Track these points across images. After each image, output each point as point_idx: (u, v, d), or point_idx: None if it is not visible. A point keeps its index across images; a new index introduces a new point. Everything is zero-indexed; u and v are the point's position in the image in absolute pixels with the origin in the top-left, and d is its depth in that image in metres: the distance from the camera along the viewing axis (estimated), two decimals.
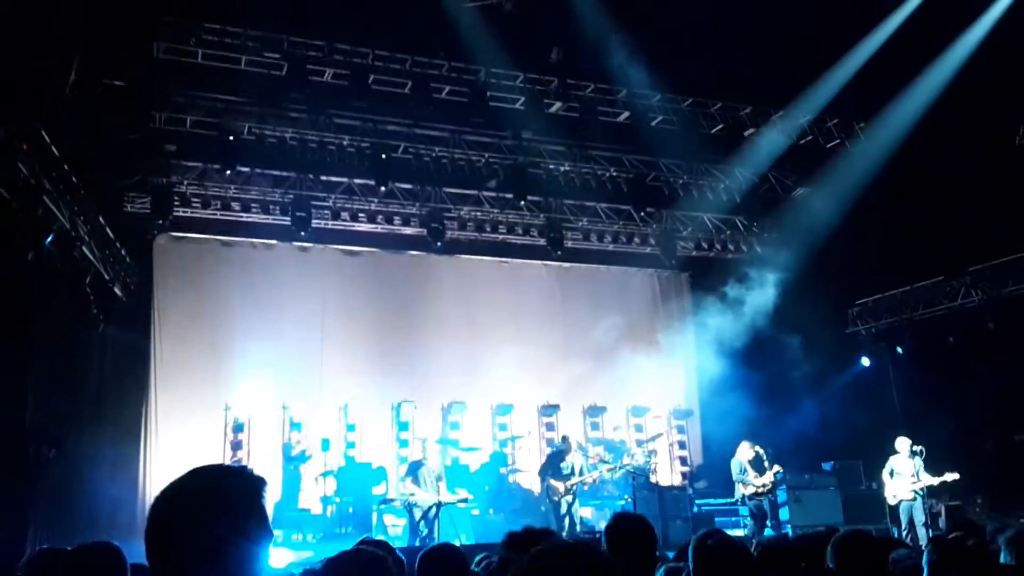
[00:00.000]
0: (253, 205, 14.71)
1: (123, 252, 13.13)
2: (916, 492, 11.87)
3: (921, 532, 11.44)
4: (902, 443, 12.18)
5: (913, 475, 11.90)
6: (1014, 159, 14.37)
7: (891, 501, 12.08)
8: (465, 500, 12.41)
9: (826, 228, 15.10)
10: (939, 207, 13.79)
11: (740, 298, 15.40)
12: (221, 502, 1.72)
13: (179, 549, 1.67)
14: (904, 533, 11.66)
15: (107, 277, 12.63)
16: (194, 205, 14.35)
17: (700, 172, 16.37)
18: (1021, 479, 13.24)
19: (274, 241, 15.09)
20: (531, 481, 14.67)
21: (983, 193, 13.36)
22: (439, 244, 15.25)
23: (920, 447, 12.10)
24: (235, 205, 14.60)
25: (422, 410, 15.16)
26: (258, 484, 1.77)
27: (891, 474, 12.11)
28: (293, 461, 13.54)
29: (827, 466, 14.06)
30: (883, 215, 14.44)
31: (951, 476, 11.82)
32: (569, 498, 12.70)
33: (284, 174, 14.47)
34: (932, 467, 12.01)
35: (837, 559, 3.80)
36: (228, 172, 13.77)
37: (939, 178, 13.64)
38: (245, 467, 1.84)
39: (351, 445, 14.63)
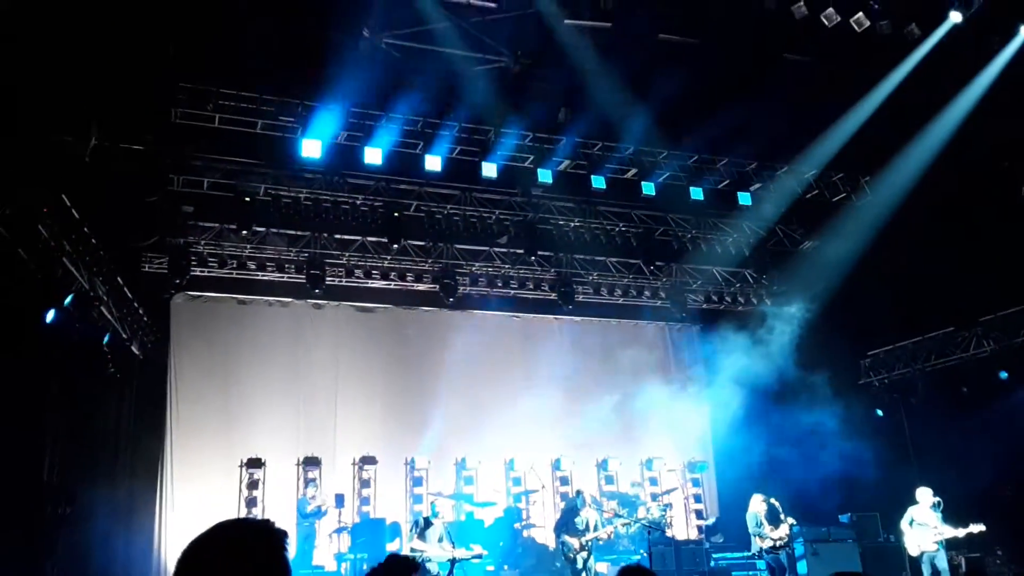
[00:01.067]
0: (268, 264, 14.96)
1: (140, 311, 13.33)
2: (939, 543, 11.71)
3: None
4: (923, 493, 12.03)
5: (935, 526, 11.75)
6: (1020, 209, 14.51)
7: (913, 552, 11.89)
8: (479, 556, 12.35)
9: (836, 280, 15.21)
10: (948, 259, 13.87)
11: (752, 350, 15.45)
12: (246, 556, 1.74)
13: None
14: None
15: (124, 336, 12.81)
16: (211, 264, 14.61)
17: (708, 226, 16.57)
18: None
19: (289, 299, 15.29)
20: (546, 536, 14.60)
21: (991, 244, 13.46)
22: (451, 300, 15.42)
23: (938, 498, 11.98)
24: (251, 264, 14.85)
25: (436, 465, 15.19)
26: (280, 538, 1.81)
27: (911, 524, 11.95)
28: (308, 517, 13.52)
29: (844, 518, 13.95)
30: (892, 267, 14.55)
31: (977, 528, 11.57)
32: (584, 554, 12.62)
33: (299, 233, 14.74)
34: (950, 518, 11.89)
35: None
36: (244, 232, 14.05)
37: (947, 230, 13.75)
38: (268, 521, 1.88)
39: (365, 501, 14.62)
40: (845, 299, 15.24)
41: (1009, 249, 13.38)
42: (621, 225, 16.17)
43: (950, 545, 12.25)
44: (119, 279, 12.55)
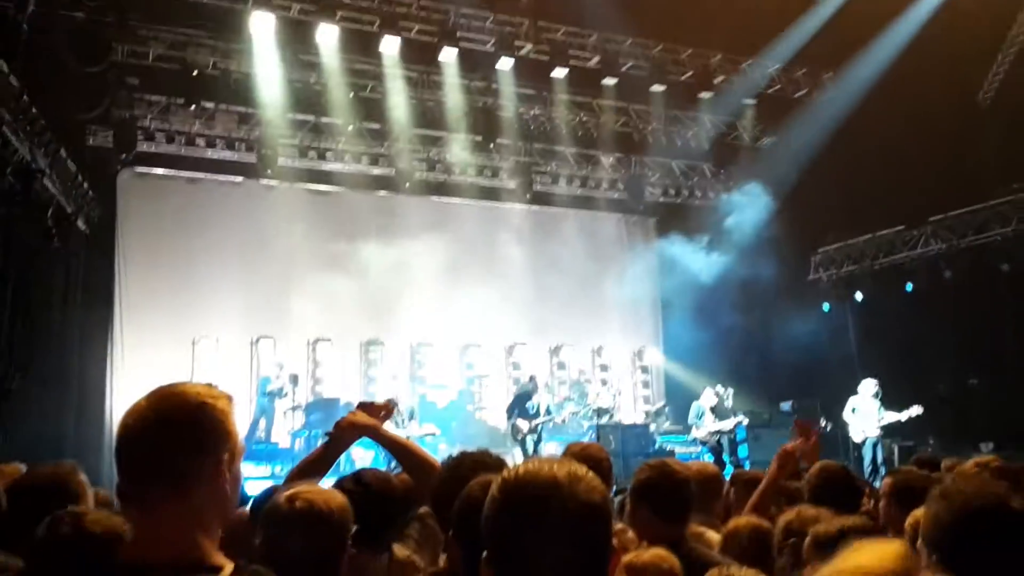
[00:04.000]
0: (218, 141, 14.54)
1: (85, 186, 12.93)
2: (880, 429, 12.37)
3: (882, 469, 11.92)
4: (866, 385, 12.59)
5: (877, 413, 12.38)
6: (977, 113, 14.63)
7: (857, 438, 12.49)
8: (432, 435, 12.61)
9: (791, 177, 15.30)
10: (903, 158, 14.00)
11: (705, 243, 15.60)
12: (189, 424, 1.66)
13: (147, 472, 1.64)
14: (868, 470, 12.10)
15: (69, 210, 12.45)
16: (158, 140, 14.17)
17: (668, 119, 16.44)
18: (972, 422, 13.68)
19: (240, 178, 14.94)
20: (498, 419, 14.88)
21: (946, 145, 13.58)
22: (408, 185, 15.22)
23: (877, 388, 12.53)
24: (200, 141, 14.44)
25: (391, 348, 15.28)
26: (227, 400, 1.72)
27: (853, 412, 12.54)
28: (269, 395, 13.56)
29: (785, 406, 14.44)
30: (847, 165, 14.65)
31: (915, 410, 12.21)
32: (534, 436, 12.95)
33: (250, 111, 14.29)
34: (890, 407, 12.49)
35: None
36: (192, 107, 13.61)
37: (904, 130, 13.82)
38: (211, 384, 1.79)
39: (319, 381, 14.76)
40: (799, 196, 15.36)
41: (963, 151, 13.55)
42: (582, 115, 15.97)
43: (885, 434, 12.90)
44: (62, 152, 12.12)
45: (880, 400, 12.39)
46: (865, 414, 12.44)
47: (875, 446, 12.34)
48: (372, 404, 3.25)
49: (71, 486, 2.95)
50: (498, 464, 2.63)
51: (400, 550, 2.85)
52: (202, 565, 1.61)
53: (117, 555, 1.69)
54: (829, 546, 2.45)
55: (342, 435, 3.08)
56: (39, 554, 2.24)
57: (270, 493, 2.61)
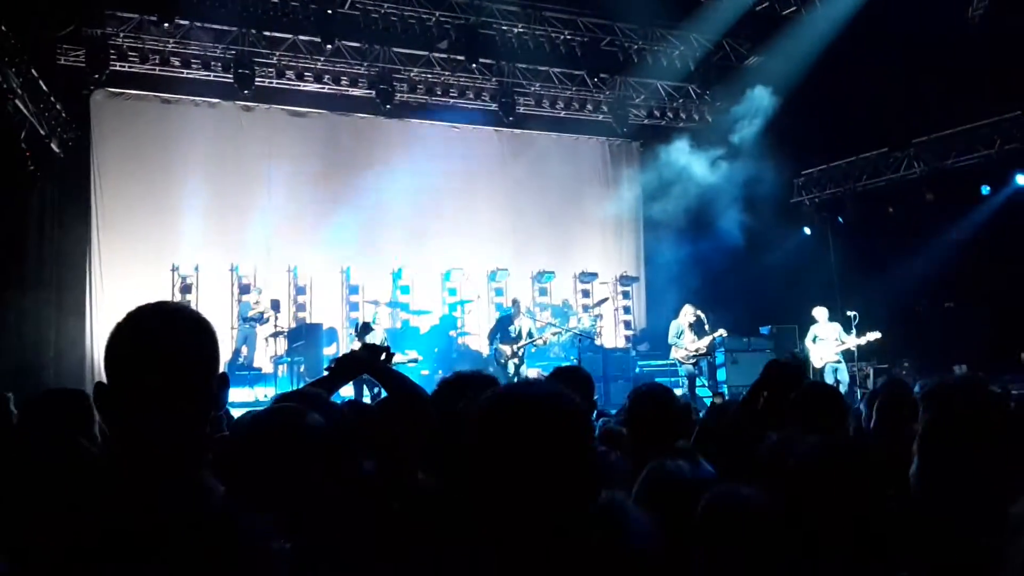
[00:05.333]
0: (193, 61, 14.19)
1: (58, 107, 12.64)
2: (839, 355, 12.62)
3: (845, 391, 12.12)
4: (820, 312, 12.88)
5: (836, 339, 12.62)
6: (965, 33, 14.41)
7: (817, 364, 12.71)
8: (415, 360, 12.71)
9: (776, 98, 15.12)
10: (888, 79, 13.84)
11: (689, 167, 15.49)
12: (210, 339, 1.65)
13: (129, 398, 1.59)
14: None
15: (43, 132, 12.20)
16: (131, 59, 13.81)
17: (655, 37, 16.13)
18: (947, 343, 13.89)
19: (216, 99, 14.63)
20: (480, 344, 14.98)
21: (932, 66, 13.41)
22: (388, 107, 14.96)
23: (854, 312, 12.68)
24: (175, 60, 14.08)
25: (372, 274, 15.26)
26: (205, 325, 1.68)
27: (814, 340, 12.78)
28: (249, 321, 13.60)
29: (764, 330, 14.62)
30: (832, 86, 14.47)
31: (873, 335, 12.48)
32: (516, 360, 13.06)
33: (225, 28, 13.92)
34: (864, 331, 12.67)
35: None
36: (166, 24, 13.23)
37: (890, 50, 13.62)
38: (185, 307, 1.75)
39: (301, 308, 14.77)
40: (783, 117, 15.21)
41: (949, 72, 13.38)
42: (566, 33, 15.63)
43: (860, 356, 13.14)
44: (33, 71, 11.80)
45: (854, 323, 12.62)
46: (825, 340, 12.72)
47: (835, 371, 12.60)
48: (375, 346, 3.56)
49: (85, 406, 3.03)
50: (490, 382, 2.92)
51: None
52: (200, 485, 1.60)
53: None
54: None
55: (343, 369, 3.39)
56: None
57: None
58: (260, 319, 13.67)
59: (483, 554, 1.51)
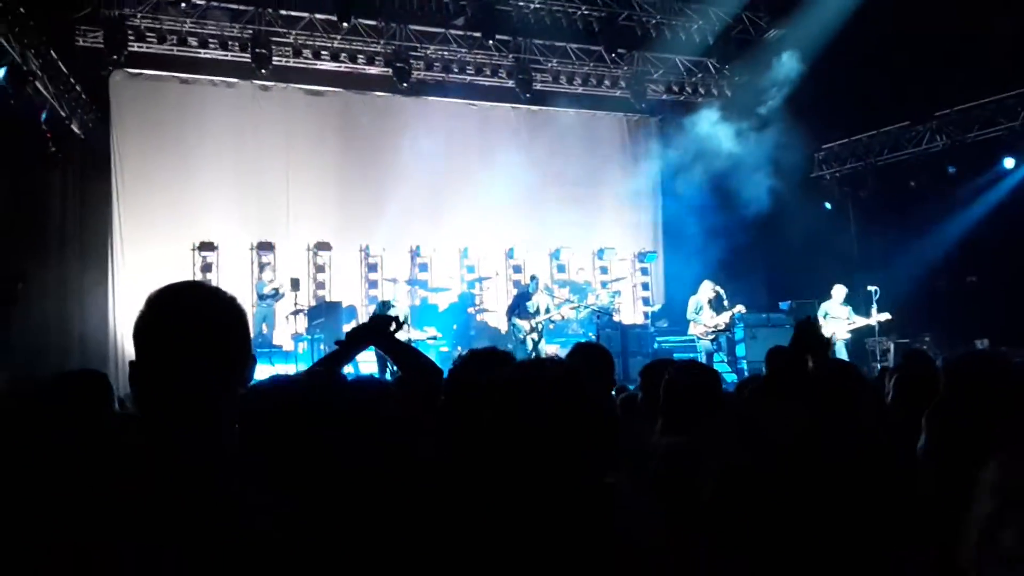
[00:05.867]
0: (211, 41, 14.21)
1: (78, 88, 12.73)
2: (849, 333, 12.85)
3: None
4: (838, 291, 13.01)
5: (847, 318, 12.81)
6: (975, 5, 14.15)
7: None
8: (434, 338, 12.78)
9: (796, 72, 14.96)
10: (910, 52, 13.64)
11: (708, 142, 15.38)
12: (202, 325, 1.64)
13: (163, 377, 1.61)
14: None
15: (63, 114, 12.30)
16: (149, 40, 13.85)
17: (674, 11, 16.00)
18: (969, 318, 13.77)
19: (234, 79, 14.67)
20: (498, 320, 15.03)
21: (954, 39, 13.21)
22: (405, 85, 14.95)
23: (875, 287, 12.66)
24: (192, 41, 14.10)
25: (391, 252, 15.32)
26: (236, 305, 1.71)
27: (824, 317, 12.84)
28: (266, 299, 13.70)
29: (784, 305, 14.55)
30: (852, 59, 14.28)
31: (883, 316, 12.64)
32: (535, 336, 13.09)
33: (242, 8, 13.95)
34: (886, 307, 12.69)
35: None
36: (183, 4, 13.29)
37: (912, 23, 13.42)
38: (216, 288, 1.77)
39: (321, 286, 14.87)
40: (804, 91, 15.05)
41: (970, 44, 13.17)
42: (583, 8, 15.53)
43: (881, 331, 13.13)
44: (53, 53, 11.88)
45: (875, 299, 12.67)
46: (836, 318, 12.81)
47: (845, 347, 12.74)
48: (384, 317, 3.55)
49: (103, 388, 3.07)
50: (506, 358, 2.95)
51: None
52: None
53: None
54: None
55: (352, 341, 3.38)
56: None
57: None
58: (276, 296, 13.75)
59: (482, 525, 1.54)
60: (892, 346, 13.59)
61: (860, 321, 12.67)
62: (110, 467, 1.60)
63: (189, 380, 1.60)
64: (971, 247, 14.07)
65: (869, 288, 12.72)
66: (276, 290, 13.75)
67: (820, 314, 12.86)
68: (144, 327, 1.63)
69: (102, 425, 2.27)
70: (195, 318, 1.63)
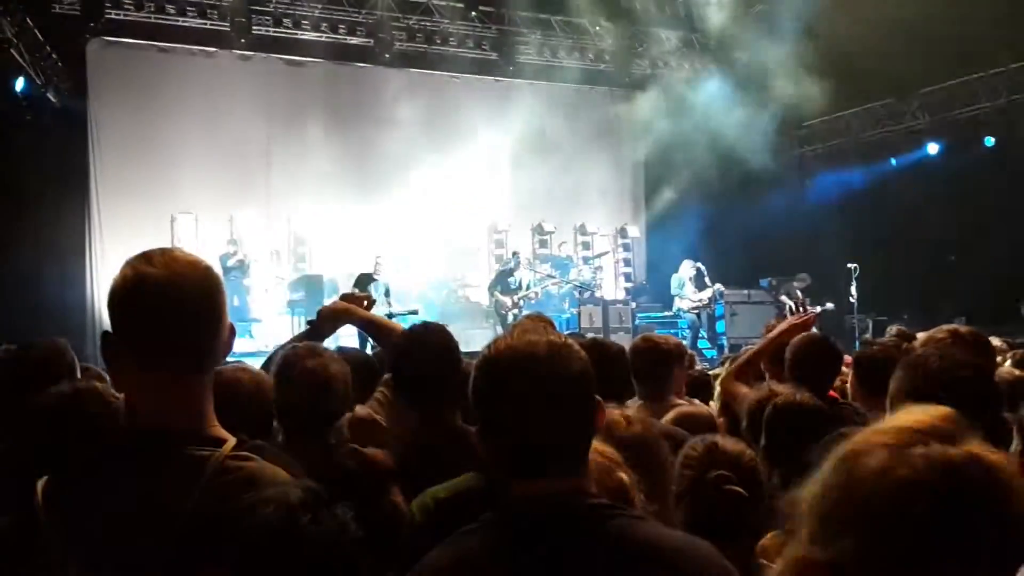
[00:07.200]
0: (190, 9, 14.01)
1: (54, 56, 12.53)
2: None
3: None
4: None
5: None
6: None
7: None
8: (415, 312, 12.74)
9: (780, 46, 14.91)
10: (894, 28, 13.62)
11: (690, 117, 15.32)
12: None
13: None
14: None
15: (39, 82, 12.11)
16: (127, 7, 13.61)
17: None
18: (947, 296, 13.88)
19: (213, 48, 14.47)
20: (480, 295, 15.01)
21: (939, 15, 13.19)
22: (387, 56, 14.81)
23: (854, 264, 12.74)
24: (170, 8, 13.89)
25: (373, 224, 15.20)
26: (211, 273, 1.67)
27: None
28: (231, 272, 13.40)
29: (764, 282, 14.61)
30: (835, 35, 14.25)
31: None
32: (516, 311, 13.11)
33: None
34: (862, 285, 12.77)
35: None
36: None
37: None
38: (191, 255, 1.69)
39: (301, 258, 14.74)
40: (787, 66, 15.00)
41: (955, 21, 13.17)
42: None
43: (860, 309, 13.20)
44: (28, 20, 11.68)
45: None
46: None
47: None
48: (354, 295, 3.64)
49: (64, 360, 2.99)
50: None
51: (361, 408, 3.12)
52: (209, 437, 1.59)
53: (127, 422, 1.68)
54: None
55: (324, 322, 3.36)
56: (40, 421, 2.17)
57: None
58: (241, 268, 13.42)
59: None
60: (871, 323, 13.69)
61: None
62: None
63: (161, 354, 1.57)
64: (953, 225, 14.15)
65: (849, 265, 12.78)
66: (240, 262, 13.45)
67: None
68: (115, 300, 1.60)
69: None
70: (170, 287, 1.57)
